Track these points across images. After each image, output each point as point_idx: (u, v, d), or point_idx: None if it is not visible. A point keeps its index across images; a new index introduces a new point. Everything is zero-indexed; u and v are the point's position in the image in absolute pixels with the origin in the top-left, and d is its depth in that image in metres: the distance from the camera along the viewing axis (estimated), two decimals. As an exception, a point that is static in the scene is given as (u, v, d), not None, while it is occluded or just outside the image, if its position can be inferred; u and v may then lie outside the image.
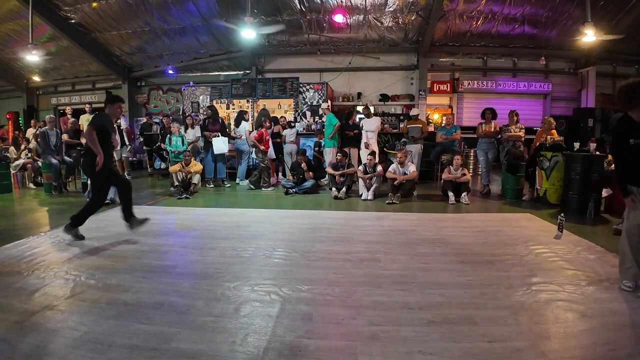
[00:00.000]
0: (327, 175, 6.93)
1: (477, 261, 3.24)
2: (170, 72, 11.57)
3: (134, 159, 11.71)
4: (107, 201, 5.70)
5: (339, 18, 9.33)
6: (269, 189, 7.21)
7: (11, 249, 3.55)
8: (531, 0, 8.56)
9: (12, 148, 7.92)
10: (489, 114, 6.60)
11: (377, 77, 11.06)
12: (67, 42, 10.67)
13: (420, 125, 7.66)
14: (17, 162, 7.68)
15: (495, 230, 4.29)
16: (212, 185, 7.61)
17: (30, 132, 9.34)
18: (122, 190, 4.05)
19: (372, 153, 6.52)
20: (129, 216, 3.99)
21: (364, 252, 3.47)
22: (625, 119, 2.67)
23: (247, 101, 9.89)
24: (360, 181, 6.40)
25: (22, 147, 8.18)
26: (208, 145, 7.51)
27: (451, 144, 7.26)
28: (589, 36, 7.24)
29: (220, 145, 7.47)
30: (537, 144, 6.23)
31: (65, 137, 7.41)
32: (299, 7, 9.28)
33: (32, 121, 10.40)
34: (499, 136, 6.59)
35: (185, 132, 8.12)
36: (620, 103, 2.66)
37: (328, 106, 8.36)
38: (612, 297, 2.56)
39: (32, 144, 8.16)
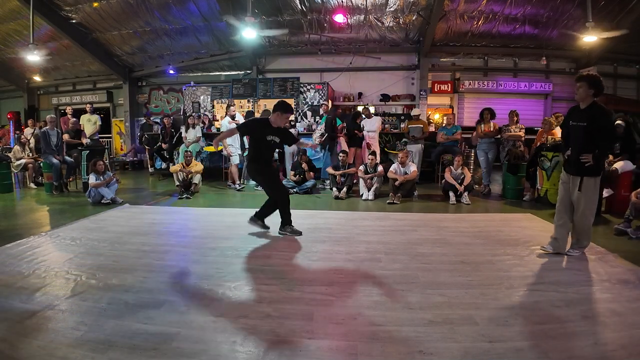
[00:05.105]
0: (327, 175, 6.93)
1: (478, 261, 3.24)
2: (171, 72, 11.57)
3: (135, 158, 11.74)
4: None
5: (339, 18, 9.32)
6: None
7: (12, 249, 3.55)
8: (532, 0, 8.56)
9: (17, 147, 7.92)
10: (487, 114, 6.60)
11: (378, 77, 11.04)
12: (68, 42, 10.68)
13: (422, 126, 7.65)
14: (19, 162, 7.68)
15: (496, 230, 4.28)
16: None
17: (28, 131, 9.35)
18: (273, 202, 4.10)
19: (373, 153, 6.52)
20: (261, 217, 4.13)
21: (365, 252, 3.47)
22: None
23: (248, 101, 9.89)
24: (361, 181, 6.40)
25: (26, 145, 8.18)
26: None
27: (452, 145, 7.26)
28: (590, 36, 7.24)
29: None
30: (538, 144, 6.22)
31: (66, 137, 7.42)
32: (299, 7, 9.27)
33: (30, 121, 10.43)
34: (499, 136, 6.58)
35: (186, 132, 8.12)
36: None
37: (328, 105, 8.32)
38: (612, 297, 2.56)
39: (32, 144, 8.17)
